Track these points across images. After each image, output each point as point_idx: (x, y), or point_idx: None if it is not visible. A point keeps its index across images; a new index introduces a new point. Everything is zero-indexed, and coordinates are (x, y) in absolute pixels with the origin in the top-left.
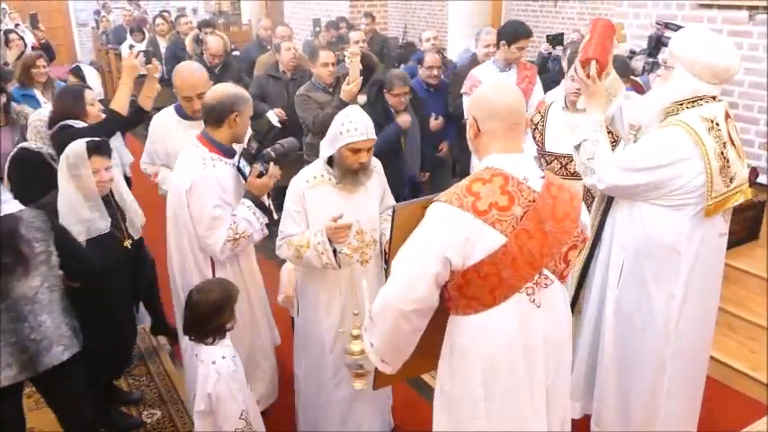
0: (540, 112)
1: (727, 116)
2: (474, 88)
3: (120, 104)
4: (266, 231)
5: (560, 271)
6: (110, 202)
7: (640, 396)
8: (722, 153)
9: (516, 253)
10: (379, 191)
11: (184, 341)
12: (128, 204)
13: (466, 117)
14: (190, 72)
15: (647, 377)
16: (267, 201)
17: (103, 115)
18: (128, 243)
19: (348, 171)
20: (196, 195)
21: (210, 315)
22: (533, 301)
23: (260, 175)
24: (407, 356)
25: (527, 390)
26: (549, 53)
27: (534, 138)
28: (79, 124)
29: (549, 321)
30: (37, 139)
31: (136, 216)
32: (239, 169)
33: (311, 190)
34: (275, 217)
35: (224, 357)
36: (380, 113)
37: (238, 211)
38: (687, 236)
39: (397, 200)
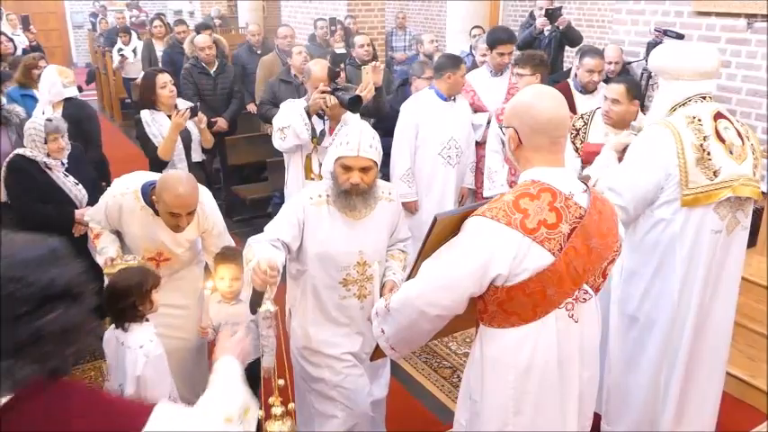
0: (582, 118)
1: (719, 116)
2: (466, 93)
3: (164, 151)
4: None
5: (598, 285)
6: None
7: (643, 394)
8: (701, 146)
9: (563, 271)
10: (391, 222)
11: (107, 332)
12: None
13: (505, 125)
14: (186, 188)
15: (648, 375)
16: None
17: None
18: None
19: (340, 191)
20: None
21: (123, 294)
22: (571, 316)
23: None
24: (418, 347)
25: (559, 403)
26: (541, 31)
27: (575, 145)
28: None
29: (584, 334)
30: (33, 147)
31: None
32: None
33: (313, 207)
34: None
35: (151, 341)
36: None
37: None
38: (680, 230)
39: None
